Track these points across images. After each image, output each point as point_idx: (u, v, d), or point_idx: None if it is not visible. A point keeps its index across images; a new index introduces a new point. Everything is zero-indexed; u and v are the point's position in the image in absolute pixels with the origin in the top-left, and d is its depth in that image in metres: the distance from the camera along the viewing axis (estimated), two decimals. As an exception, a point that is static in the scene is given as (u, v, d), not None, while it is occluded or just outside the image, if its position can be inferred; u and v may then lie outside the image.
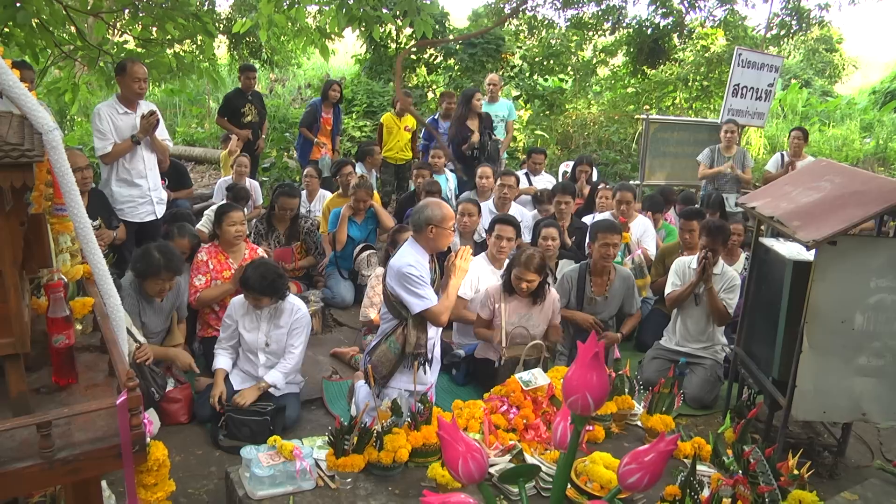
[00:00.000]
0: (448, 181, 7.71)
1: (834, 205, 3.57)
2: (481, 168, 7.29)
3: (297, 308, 4.43)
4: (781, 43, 15.04)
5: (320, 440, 3.51)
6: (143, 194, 5.70)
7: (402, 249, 4.08)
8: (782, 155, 8.60)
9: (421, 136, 8.88)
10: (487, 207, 6.76)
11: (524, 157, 8.72)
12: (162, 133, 5.75)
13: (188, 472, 3.79)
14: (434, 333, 4.12)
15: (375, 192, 7.45)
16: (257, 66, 15.65)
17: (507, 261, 5.14)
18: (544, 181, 8.13)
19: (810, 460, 3.39)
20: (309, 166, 7.96)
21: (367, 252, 6.38)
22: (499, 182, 6.74)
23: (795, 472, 3.00)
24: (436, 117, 8.72)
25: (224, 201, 6.30)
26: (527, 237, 6.39)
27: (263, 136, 8.64)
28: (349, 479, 3.21)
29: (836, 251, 3.45)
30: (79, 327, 2.22)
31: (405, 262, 3.90)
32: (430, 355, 4.09)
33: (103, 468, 1.73)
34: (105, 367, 2.02)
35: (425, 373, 3.99)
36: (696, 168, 9.09)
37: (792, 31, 14.47)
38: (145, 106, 5.57)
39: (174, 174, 7.58)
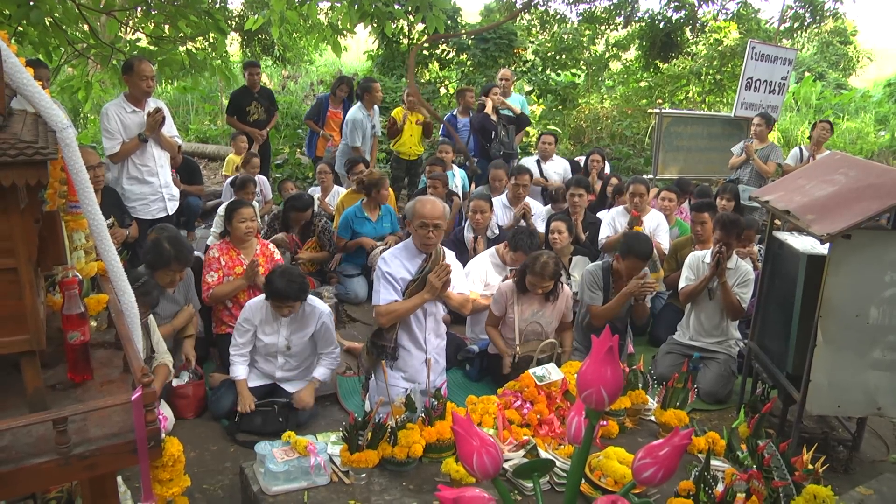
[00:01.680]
0: (454, 177, 7.69)
1: (848, 198, 3.55)
2: (493, 170, 7.30)
3: (319, 310, 4.44)
4: (795, 35, 14.93)
5: (334, 436, 3.52)
6: (155, 191, 5.74)
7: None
8: (801, 149, 8.53)
9: (439, 132, 8.89)
10: (501, 201, 6.75)
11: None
12: (170, 130, 5.77)
13: (203, 468, 3.82)
14: (419, 330, 4.08)
15: (391, 190, 7.46)
16: (269, 62, 15.73)
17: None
18: (556, 167, 8.12)
19: (825, 455, 3.37)
20: (322, 162, 7.96)
21: (381, 249, 6.39)
22: (513, 181, 6.71)
23: (810, 466, 2.99)
24: (454, 113, 8.72)
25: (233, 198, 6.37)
26: (540, 227, 6.37)
27: (267, 130, 8.61)
28: (363, 475, 3.22)
29: (850, 245, 3.43)
30: (93, 324, 2.24)
31: (382, 257, 4.00)
32: (429, 354, 4.09)
33: (119, 463, 1.74)
34: (120, 364, 2.02)
35: (391, 367, 4.01)
36: (709, 162, 9.06)
37: (806, 23, 14.35)
38: (153, 104, 5.59)
39: (186, 171, 7.61)
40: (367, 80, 8.40)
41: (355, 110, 8.04)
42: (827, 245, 3.52)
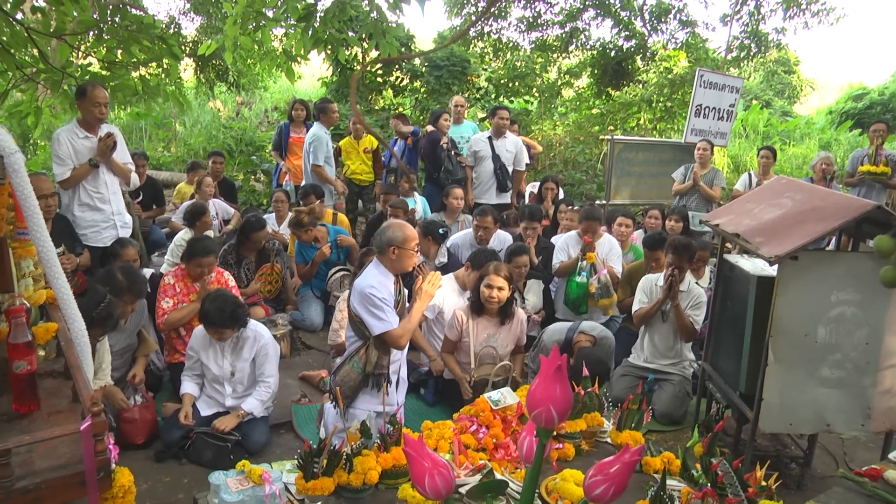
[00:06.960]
0: (416, 203, 7.69)
1: (795, 221, 3.64)
2: (455, 189, 7.29)
3: (259, 335, 4.40)
4: (742, 65, 15.34)
5: (290, 464, 3.47)
6: (107, 218, 5.62)
7: (366, 271, 4.07)
8: (750, 175, 8.71)
9: (383, 154, 8.93)
10: (468, 240, 6.64)
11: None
12: (124, 156, 5.68)
13: (156, 500, 3.73)
14: (399, 355, 4.10)
15: (342, 214, 7.45)
16: (224, 88, 15.63)
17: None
18: (508, 144, 7.95)
19: (778, 472, 3.42)
20: (278, 191, 7.91)
21: (341, 273, 6.38)
22: (474, 223, 6.50)
23: (763, 483, 3.03)
24: (396, 139, 8.80)
25: (184, 224, 6.47)
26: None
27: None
28: (319, 503, 3.18)
29: (797, 266, 3.52)
30: (42, 353, 2.19)
31: (367, 284, 3.90)
32: (396, 376, 4.08)
33: (66, 496, 1.70)
34: (69, 393, 1.98)
35: (387, 394, 3.97)
36: (661, 187, 9.21)
37: (751, 53, 14.77)
38: (106, 129, 5.50)
39: (150, 190, 7.49)
40: (322, 101, 8.34)
41: (317, 128, 7.99)
42: (776, 267, 3.61)
